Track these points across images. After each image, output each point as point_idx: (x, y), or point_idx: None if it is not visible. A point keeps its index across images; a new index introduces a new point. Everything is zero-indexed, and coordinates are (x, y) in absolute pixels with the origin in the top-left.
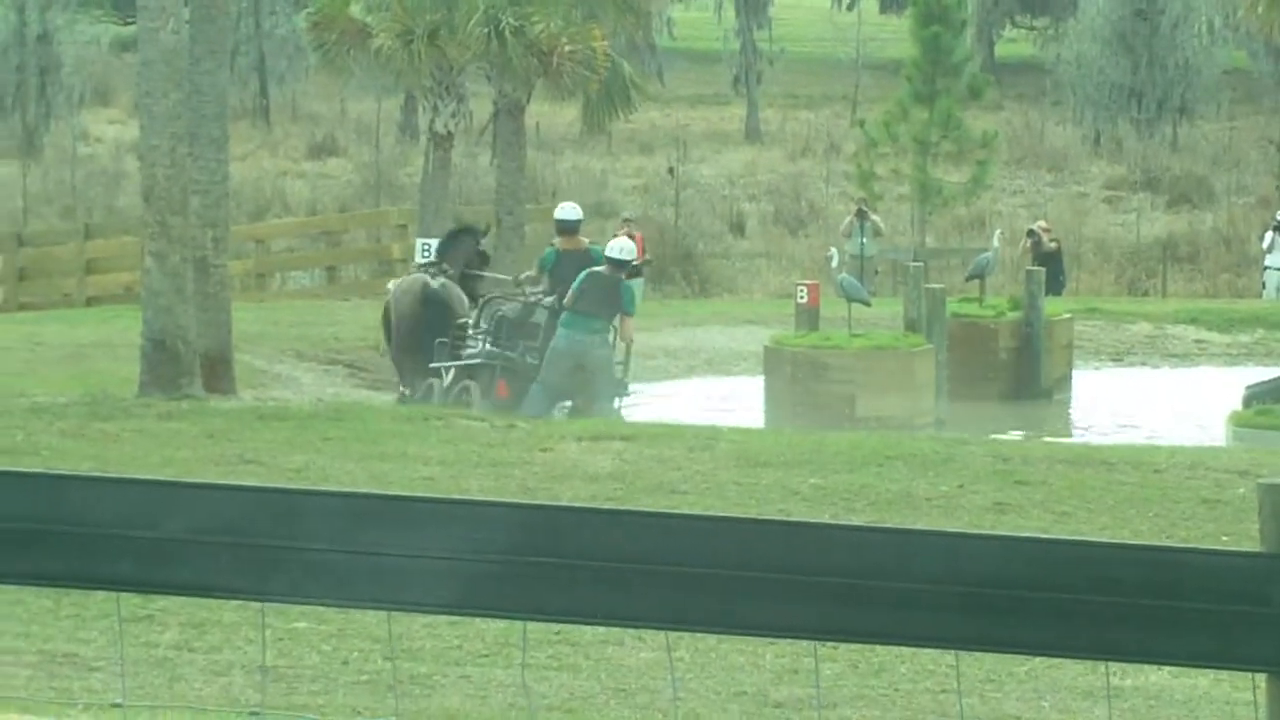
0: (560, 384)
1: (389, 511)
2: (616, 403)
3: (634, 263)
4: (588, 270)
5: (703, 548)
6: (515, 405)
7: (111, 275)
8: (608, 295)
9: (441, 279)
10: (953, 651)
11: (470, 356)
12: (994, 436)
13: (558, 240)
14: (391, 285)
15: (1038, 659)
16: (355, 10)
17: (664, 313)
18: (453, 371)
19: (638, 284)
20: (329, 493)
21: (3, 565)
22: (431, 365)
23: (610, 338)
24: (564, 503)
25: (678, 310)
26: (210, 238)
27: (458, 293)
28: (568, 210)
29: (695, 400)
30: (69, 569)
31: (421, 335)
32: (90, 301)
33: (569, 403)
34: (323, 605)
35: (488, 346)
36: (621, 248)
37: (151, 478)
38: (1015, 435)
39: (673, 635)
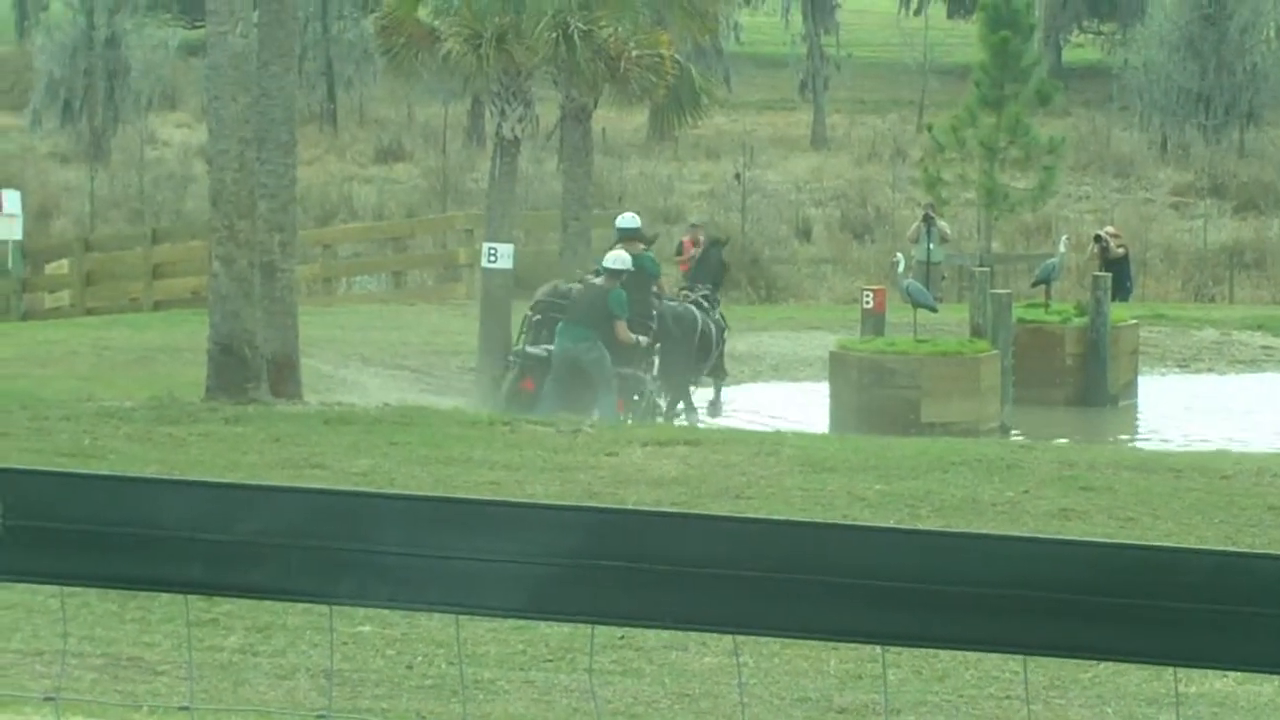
0: (564, 386)
1: (457, 515)
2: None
3: (628, 271)
4: (581, 285)
5: (768, 552)
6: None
7: (179, 280)
8: (594, 305)
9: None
10: (1017, 657)
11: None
12: (1060, 442)
13: (620, 247)
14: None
15: (1102, 665)
16: (423, 14)
17: (730, 318)
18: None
19: None
20: (397, 496)
21: (71, 567)
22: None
23: (601, 347)
24: (636, 506)
25: (744, 316)
26: (277, 242)
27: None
28: (628, 219)
29: (761, 405)
30: (137, 572)
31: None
32: (157, 306)
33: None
34: (390, 608)
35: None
36: (615, 258)
37: (220, 480)
38: (1081, 440)
39: (737, 640)
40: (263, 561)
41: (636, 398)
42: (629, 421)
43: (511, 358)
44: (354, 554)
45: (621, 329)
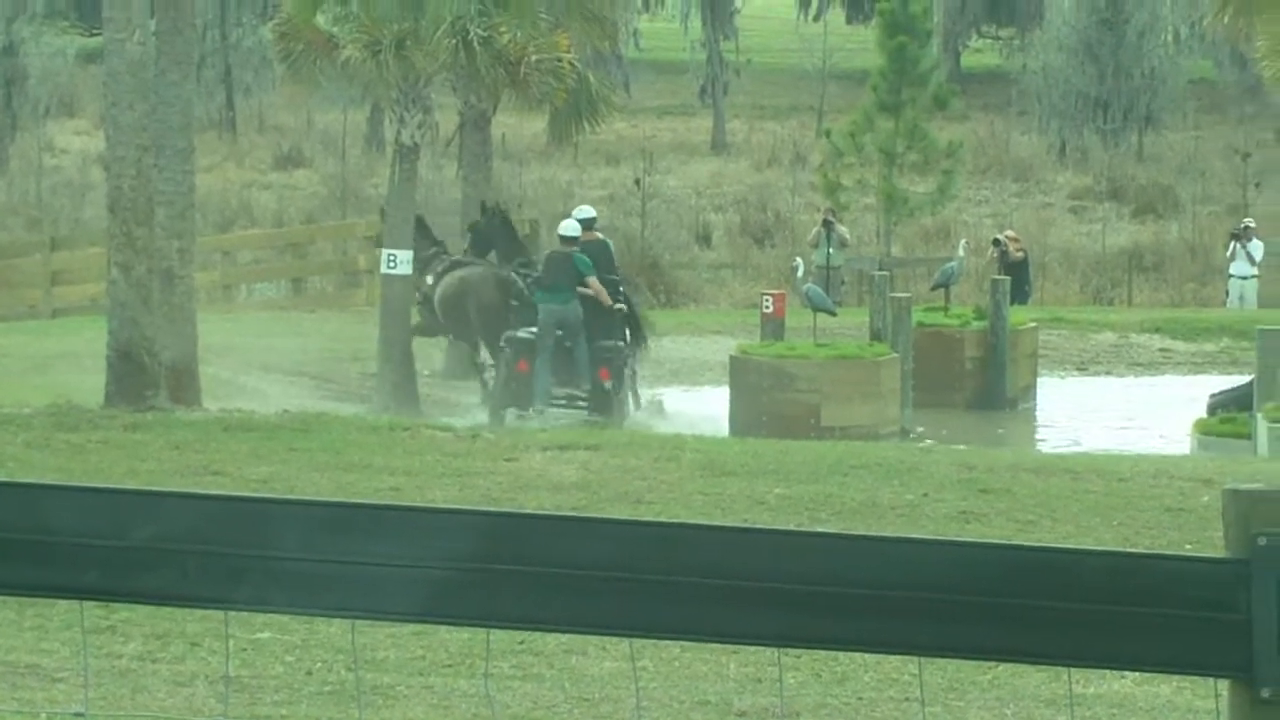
0: (551, 353)
1: (356, 520)
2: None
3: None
4: (547, 254)
5: (667, 556)
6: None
7: (77, 287)
8: (563, 267)
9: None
10: (915, 659)
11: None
12: (959, 445)
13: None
14: (433, 279)
15: (1000, 667)
16: (322, 21)
17: None
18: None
19: None
20: (296, 501)
21: None
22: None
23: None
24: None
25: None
26: (176, 249)
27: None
28: (586, 210)
29: (662, 409)
30: (33, 578)
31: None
32: (56, 313)
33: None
34: (288, 614)
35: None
36: (567, 226)
37: (114, 486)
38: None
39: (636, 644)
40: (159, 567)
41: (628, 372)
42: (615, 391)
43: (503, 344)
44: (252, 560)
45: (595, 284)
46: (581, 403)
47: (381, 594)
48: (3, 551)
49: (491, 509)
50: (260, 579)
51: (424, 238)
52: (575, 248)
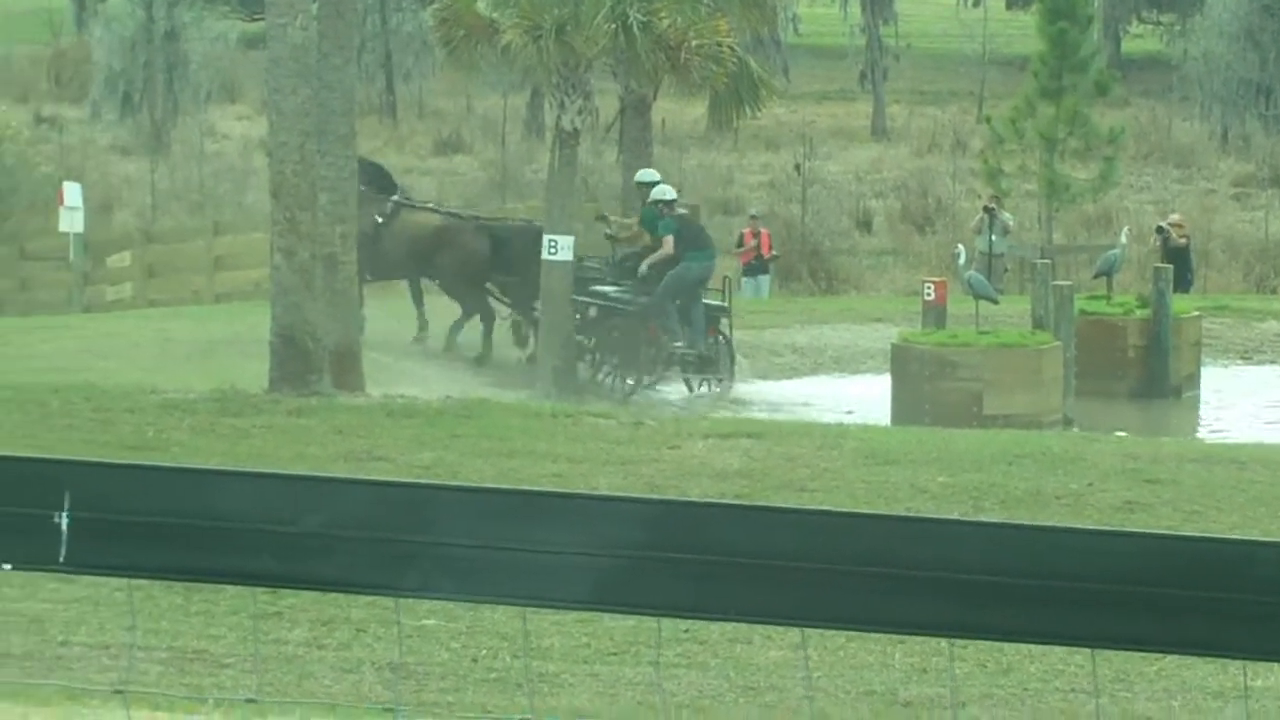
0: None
1: (523, 507)
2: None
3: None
4: (677, 217)
5: (833, 545)
6: None
7: (240, 272)
8: (697, 228)
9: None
10: (1083, 651)
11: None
12: (1122, 434)
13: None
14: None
15: (1168, 658)
16: (482, 6)
17: (791, 310)
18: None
19: (765, 280)
20: (464, 488)
21: (138, 560)
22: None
23: None
24: (697, 498)
25: (804, 307)
26: (338, 234)
27: None
28: (652, 174)
29: (822, 397)
30: (204, 564)
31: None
32: (219, 298)
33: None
34: (456, 601)
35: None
36: (666, 190)
37: (287, 472)
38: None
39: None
40: (330, 554)
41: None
42: (726, 349)
43: (613, 309)
44: (420, 546)
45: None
46: (693, 362)
47: (551, 581)
48: (174, 537)
49: (660, 497)
50: (429, 566)
51: (375, 181)
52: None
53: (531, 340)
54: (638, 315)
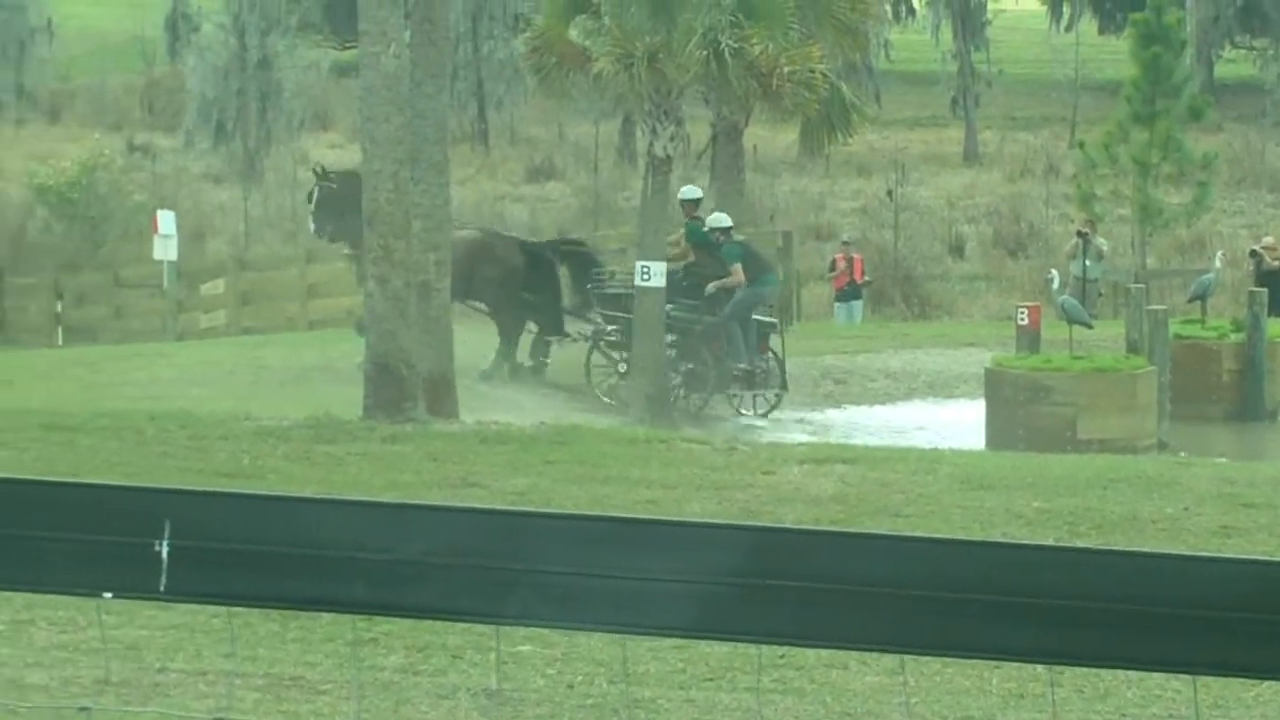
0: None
1: (623, 534)
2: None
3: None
4: (739, 244)
5: (931, 571)
6: None
7: (333, 299)
8: (759, 253)
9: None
10: (1181, 676)
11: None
12: (1218, 459)
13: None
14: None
15: (1264, 684)
16: (574, 34)
17: (884, 335)
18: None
19: (858, 305)
20: (563, 515)
21: (238, 588)
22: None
23: None
24: (796, 524)
25: (898, 332)
26: (432, 261)
27: None
28: (696, 191)
29: (916, 422)
30: (302, 592)
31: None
32: (312, 325)
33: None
34: (555, 628)
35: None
36: (720, 218)
37: (384, 499)
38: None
39: (897, 658)
40: (428, 581)
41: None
42: (778, 365)
43: (681, 330)
44: (519, 573)
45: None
46: (750, 379)
47: (648, 609)
48: (272, 565)
49: (759, 523)
50: (528, 593)
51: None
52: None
53: (549, 356)
54: (705, 334)
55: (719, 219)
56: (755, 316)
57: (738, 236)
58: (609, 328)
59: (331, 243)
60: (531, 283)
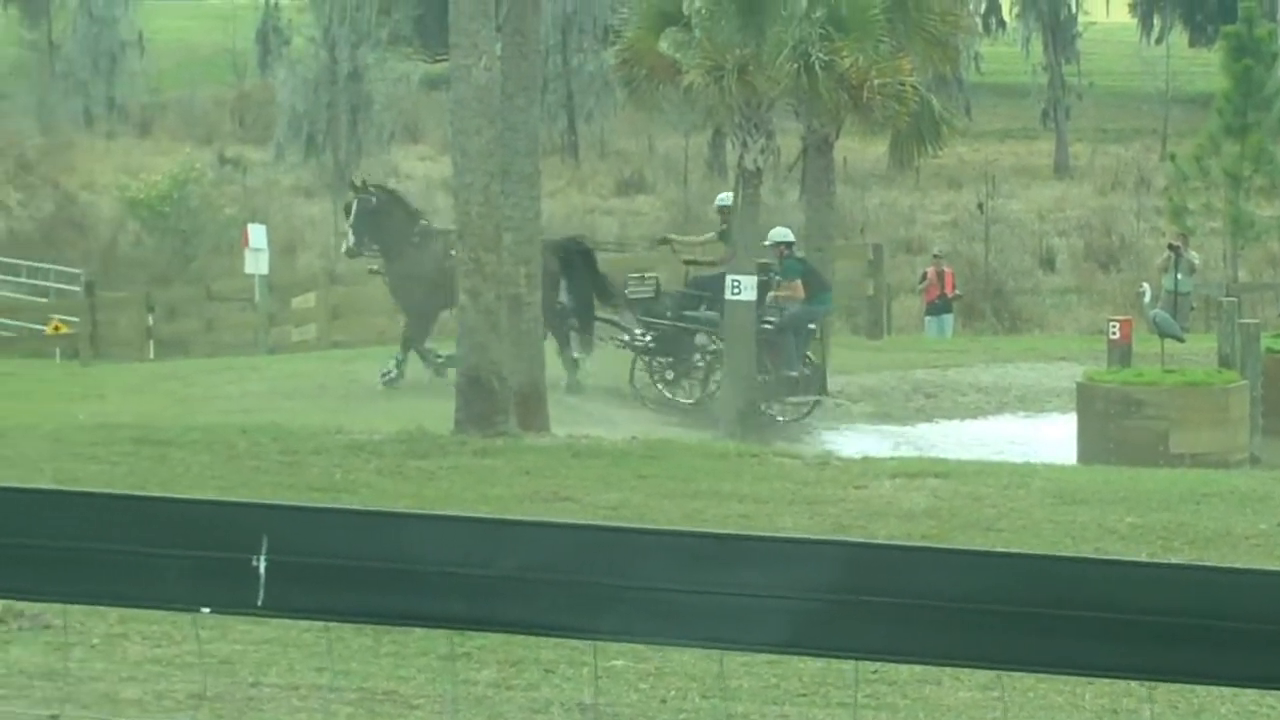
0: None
1: (720, 550)
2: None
3: None
4: (800, 261)
5: (1027, 587)
6: None
7: None
8: (817, 272)
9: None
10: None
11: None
12: None
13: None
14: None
15: None
16: (664, 46)
17: (974, 349)
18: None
19: (948, 319)
20: (660, 531)
21: (335, 603)
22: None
23: None
24: (893, 540)
25: (988, 346)
26: (523, 275)
27: None
28: (726, 198)
29: (1007, 437)
30: (398, 607)
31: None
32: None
33: None
34: (652, 644)
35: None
36: (783, 232)
37: (482, 515)
38: None
39: (991, 674)
40: (525, 596)
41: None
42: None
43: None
44: (617, 589)
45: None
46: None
47: (746, 624)
48: (368, 580)
49: (855, 539)
50: (625, 608)
51: (406, 213)
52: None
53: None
54: (764, 343)
55: (782, 233)
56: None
57: (800, 253)
58: (643, 334)
59: (352, 258)
60: (571, 286)
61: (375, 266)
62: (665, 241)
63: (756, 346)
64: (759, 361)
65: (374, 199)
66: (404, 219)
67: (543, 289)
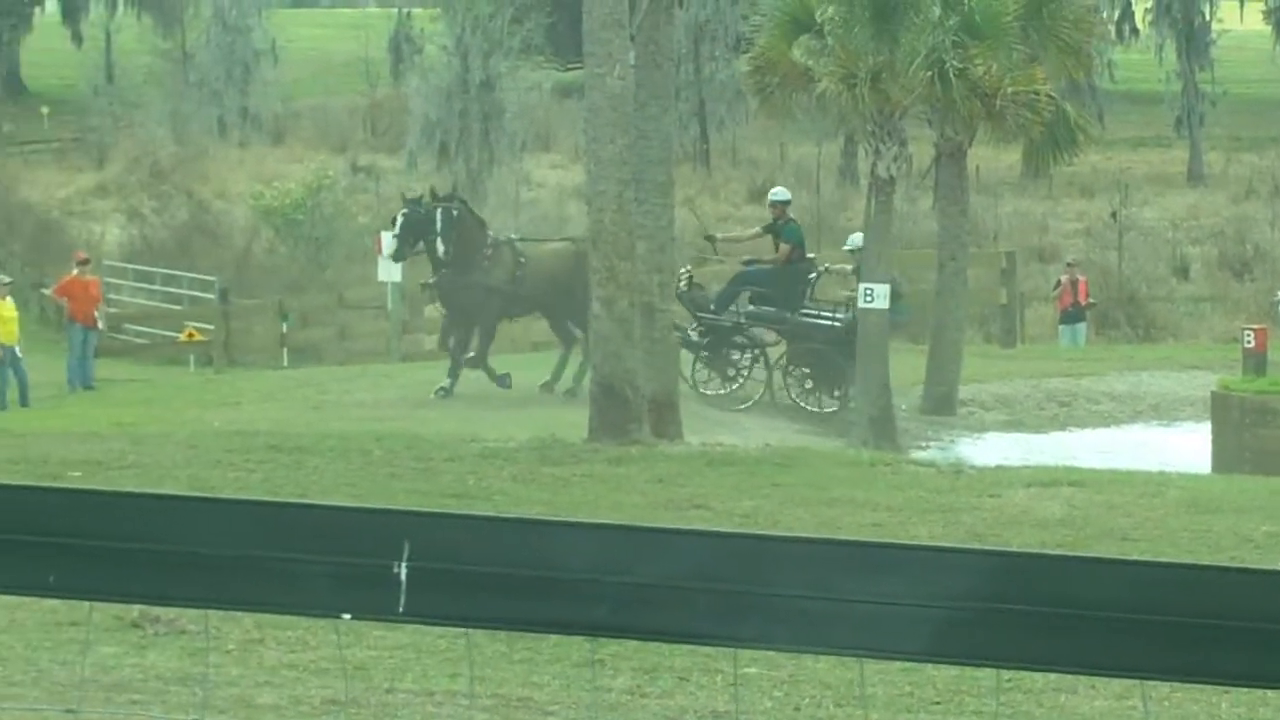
0: None
1: (860, 558)
2: None
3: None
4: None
5: (1164, 596)
6: None
7: None
8: None
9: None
10: None
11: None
12: None
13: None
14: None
15: None
16: (797, 54)
17: (1108, 357)
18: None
19: (1081, 328)
20: (800, 538)
21: (476, 610)
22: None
23: None
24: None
25: (1122, 355)
26: (656, 283)
27: None
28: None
29: (1142, 445)
30: (541, 614)
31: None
32: (536, 346)
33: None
34: (791, 651)
35: None
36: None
37: (624, 523)
38: None
39: (1126, 683)
40: (666, 604)
41: None
42: None
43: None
44: (757, 597)
45: None
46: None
47: (884, 632)
48: (510, 587)
49: (997, 548)
50: (764, 616)
51: (478, 226)
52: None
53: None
54: (839, 337)
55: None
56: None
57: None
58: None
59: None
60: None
61: (428, 279)
62: (710, 239)
63: (838, 342)
64: (836, 358)
65: (423, 212)
66: (478, 230)
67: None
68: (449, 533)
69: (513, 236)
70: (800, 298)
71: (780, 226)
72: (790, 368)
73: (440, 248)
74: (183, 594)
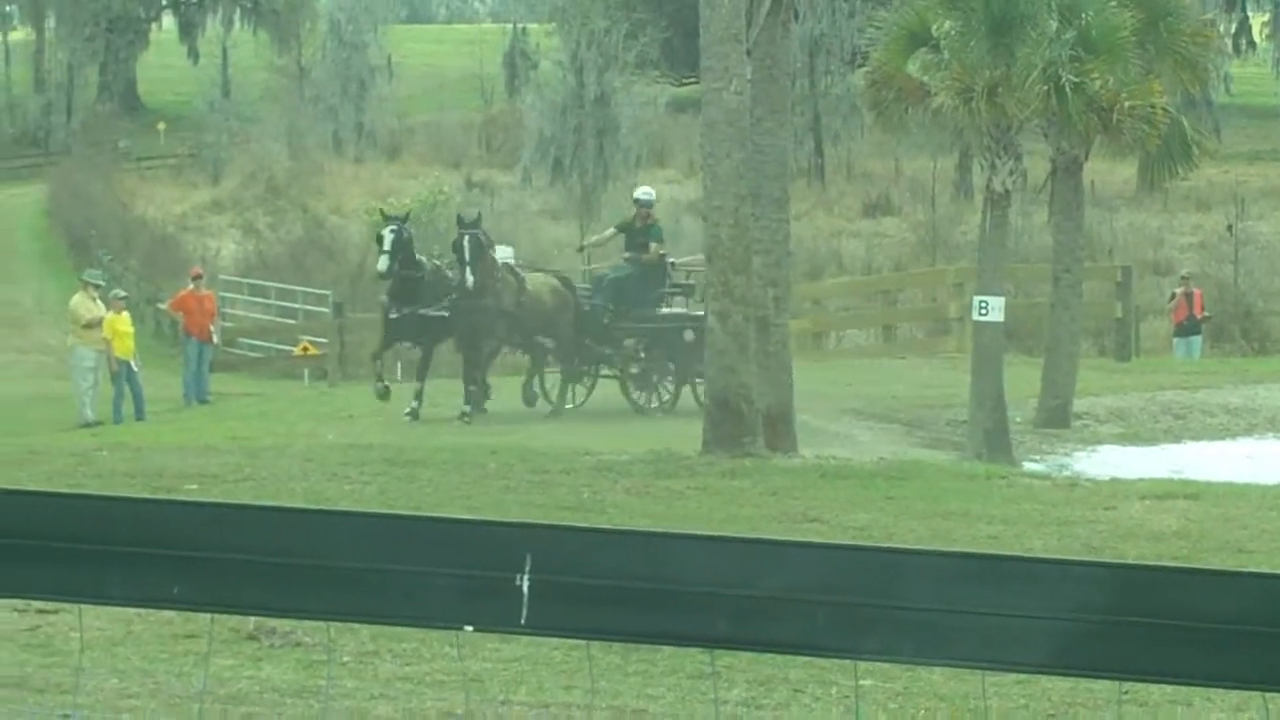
0: None
1: (985, 571)
2: None
3: None
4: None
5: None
6: None
7: None
8: None
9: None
10: None
11: None
12: None
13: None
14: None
15: None
16: (913, 68)
17: (1223, 370)
18: None
19: (1196, 341)
20: (926, 552)
21: (597, 622)
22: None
23: None
24: (1147, 561)
25: (1237, 368)
26: (771, 297)
27: None
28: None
29: (1258, 458)
30: (662, 627)
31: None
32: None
33: None
34: (914, 664)
35: None
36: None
37: (744, 535)
38: None
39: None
40: (789, 617)
41: None
42: None
43: None
44: (879, 609)
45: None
46: None
47: (1007, 645)
48: (631, 599)
49: (1120, 561)
50: (888, 629)
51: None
52: None
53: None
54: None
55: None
56: None
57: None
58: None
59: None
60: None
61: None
62: (581, 249)
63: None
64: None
65: (480, 235)
66: (492, 257)
67: None
68: (570, 545)
69: (511, 261)
70: (661, 298)
71: (646, 227)
72: (648, 366)
73: (469, 278)
74: (306, 606)
